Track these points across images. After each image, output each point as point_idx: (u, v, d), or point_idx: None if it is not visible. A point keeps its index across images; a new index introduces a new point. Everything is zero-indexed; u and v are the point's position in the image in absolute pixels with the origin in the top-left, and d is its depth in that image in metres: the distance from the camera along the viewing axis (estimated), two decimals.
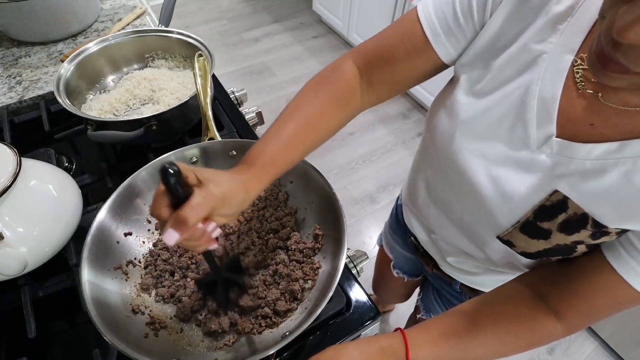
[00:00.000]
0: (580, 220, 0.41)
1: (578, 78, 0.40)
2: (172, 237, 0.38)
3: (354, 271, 0.69)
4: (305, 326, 0.49)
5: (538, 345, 0.47)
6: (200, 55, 0.76)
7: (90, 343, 0.58)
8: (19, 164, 0.57)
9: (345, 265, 0.66)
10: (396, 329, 0.48)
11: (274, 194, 0.70)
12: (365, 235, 1.78)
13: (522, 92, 0.43)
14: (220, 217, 0.42)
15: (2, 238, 0.54)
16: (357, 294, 0.64)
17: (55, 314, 0.64)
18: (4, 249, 0.55)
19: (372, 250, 1.67)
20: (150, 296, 0.60)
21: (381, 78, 0.54)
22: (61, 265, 0.65)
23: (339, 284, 0.61)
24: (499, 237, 0.50)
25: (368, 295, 0.64)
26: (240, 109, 0.96)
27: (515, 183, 0.45)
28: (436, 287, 0.82)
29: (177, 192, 0.38)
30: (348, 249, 0.65)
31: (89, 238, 0.57)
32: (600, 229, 0.41)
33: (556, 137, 0.41)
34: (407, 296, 1.21)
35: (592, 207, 0.40)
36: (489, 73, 0.46)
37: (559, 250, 0.45)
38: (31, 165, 0.62)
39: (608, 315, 0.44)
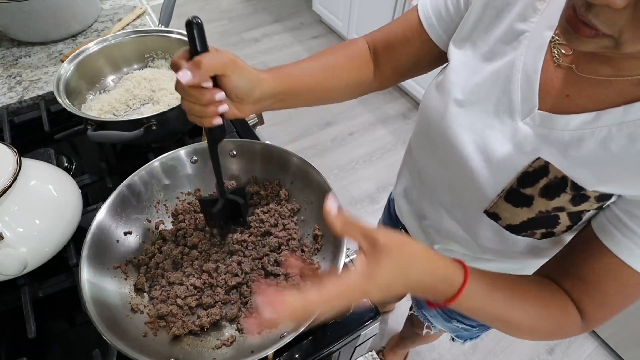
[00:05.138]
0: (560, 183, 0.43)
1: (555, 52, 0.44)
2: (185, 75, 0.40)
3: None
4: (303, 327, 0.49)
5: (564, 330, 0.46)
6: None
7: (90, 343, 0.58)
8: (19, 164, 0.57)
9: (345, 265, 0.66)
10: (458, 261, 0.44)
11: (275, 192, 0.70)
12: None
13: (508, 68, 0.46)
14: (231, 90, 0.44)
15: (2, 238, 0.55)
16: None
17: (55, 314, 0.64)
18: (4, 249, 0.55)
19: None
20: (147, 296, 0.60)
21: (385, 56, 0.61)
22: (61, 265, 0.65)
23: None
24: (486, 212, 0.51)
25: None
26: None
27: (501, 153, 0.47)
28: None
29: (199, 42, 0.41)
30: (348, 249, 0.65)
31: (88, 237, 0.57)
32: (579, 192, 0.42)
33: (538, 109, 0.44)
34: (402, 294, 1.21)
35: (572, 172, 0.42)
36: (477, 52, 0.50)
37: (541, 220, 0.46)
38: (31, 165, 0.62)
39: (623, 303, 0.44)
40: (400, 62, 0.60)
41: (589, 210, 0.44)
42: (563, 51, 0.44)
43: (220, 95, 0.44)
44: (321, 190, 0.64)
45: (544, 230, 0.48)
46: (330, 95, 0.59)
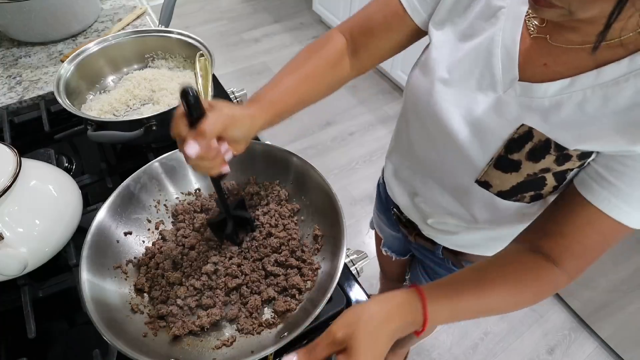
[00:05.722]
0: (544, 146, 0.46)
1: (530, 25, 0.47)
2: (193, 148, 0.43)
3: (354, 271, 0.69)
4: (303, 327, 0.49)
5: (546, 293, 0.49)
6: (202, 55, 0.76)
7: (90, 343, 0.58)
8: (19, 164, 0.57)
9: (345, 265, 0.66)
10: (411, 285, 0.49)
11: (275, 192, 0.70)
12: (365, 236, 1.78)
13: (488, 43, 0.49)
14: (232, 140, 0.48)
15: (2, 238, 0.55)
16: (357, 294, 0.64)
17: (55, 314, 0.64)
18: (4, 249, 0.55)
19: (372, 250, 1.67)
20: (147, 296, 0.60)
21: (364, 44, 0.61)
22: (61, 265, 0.65)
23: (339, 284, 0.61)
24: (477, 181, 0.54)
25: (368, 295, 0.64)
26: None
27: (488, 124, 0.50)
28: (421, 260, 0.86)
29: (196, 110, 0.43)
30: (348, 249, 0.65)
31: (89, 237, 0.57)
32: (562, 152, 0.45)
33: (518, 80, 0.47)
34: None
35: (554, 134, 0.45)
36: (457, 30, 0.53)
37: (530, 183, 0.50)
38: (31, 165, 0.62)
39: (601, 252, 0.47)
40: (379, 47, 0.61)
41: (572, 169, 0.47)
42: (537, 23, 0.47)
43: (224, 147, 0.48)
44: (321, 190, 0.64)
45: (532, 193, 0.51)
46: (312, 100, 0.61)
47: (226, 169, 0.50)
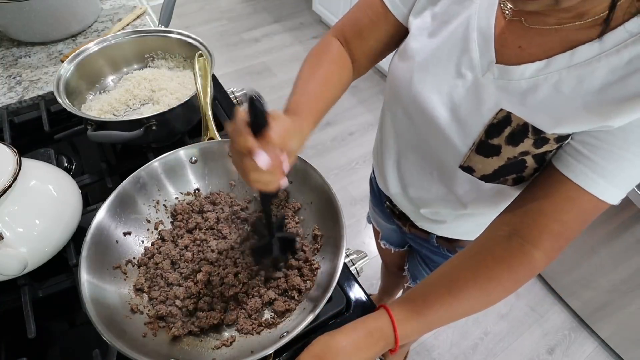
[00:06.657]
0: (522, 130, 0.47)
1: (505, 9, 0.48)
2: (265, 159, 0.41)
3: (353, 271, 0.69)
4: (303, 326, 0.49)
5: (523, 281, 0.48)
6: (201, 55, 0.76)
7: (90, 343, 0.58)
8: (19, 164, 0.57)
9: (345, 265, 0.66)
10: (380, 306, 0.50)
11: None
12: (365, 236, 1.78)
13: (464, 28, 0.50)
14: (290, 151, 0.45)
15: (2, 238, 0.55)
16: (357, 294, 0.64)
17: (55, 314, 0.64)
18: (4, 249, 0.55)
19: (372, 250, 1.67)
20: (146, 296, 0.60)
21: (357, 47, 0.63)
22: (61, 265, 0.65)
23: (338, 284, 0.61)
24: (461, 167, 0.55)
25: (368, 295, 0.64)
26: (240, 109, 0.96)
27: (468, 109, 0.51)
28: (417, 250, 0.88)
29: (262, 117, 0.40)
30: (347, 249, 0.65)
31: (88, 237, 0.57)
32: (539, 136, 0.46)
33: (495, 63, 0.48)
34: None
35: (531, 117, 0.46)
36: (434, 17, 0.54)
37: (511, 166, 0.50)
38: (31, 165, 0.62)
39: (579, 230, 0.47)
40: (371, 48, 0.63)
41: (550, 151, 0.48)
42: (511, 6, 0.48)
43: (285, 158, 0.44)
44: (320, 190, 0.64)
45: (514, 176, 0.52)
46: (333, 102, 0.62)
47: (285, 182, 0.46)
